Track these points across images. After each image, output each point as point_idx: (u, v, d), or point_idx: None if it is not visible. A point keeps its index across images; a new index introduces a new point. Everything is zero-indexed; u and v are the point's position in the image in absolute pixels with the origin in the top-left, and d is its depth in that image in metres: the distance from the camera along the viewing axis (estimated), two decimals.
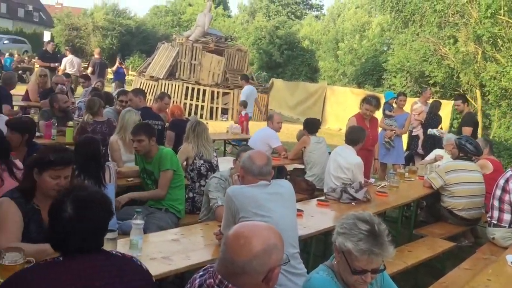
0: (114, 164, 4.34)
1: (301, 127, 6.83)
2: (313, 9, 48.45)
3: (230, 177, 3.90)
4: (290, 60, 31.10)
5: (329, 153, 5.92)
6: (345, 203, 4.59)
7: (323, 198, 4.73)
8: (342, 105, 16.65)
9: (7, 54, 22.27)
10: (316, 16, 45.14)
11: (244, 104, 10.63)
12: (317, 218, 4.06)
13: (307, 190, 5.76)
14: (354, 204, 4.57)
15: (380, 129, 7.31)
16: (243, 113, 10.30)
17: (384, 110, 8.02)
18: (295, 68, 30.90)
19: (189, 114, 14.34)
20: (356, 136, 5.22)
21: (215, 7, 37.87)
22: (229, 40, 19.23)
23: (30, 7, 48.60)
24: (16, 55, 23.17)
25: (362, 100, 6.14)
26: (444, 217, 5.40)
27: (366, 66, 24.46)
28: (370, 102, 6.00)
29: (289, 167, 6.93)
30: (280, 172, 6.61)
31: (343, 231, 2.02)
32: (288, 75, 29.68)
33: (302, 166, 6.56)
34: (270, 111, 16.33)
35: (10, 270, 2.16)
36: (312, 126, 6.46)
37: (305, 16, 44.53)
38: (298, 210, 3.58)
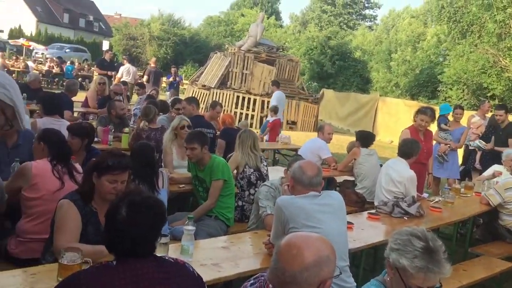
0: (166, 171, 4.45)
1: (351, 138, 6.75)
2: (366, 19, 47.90)
3: (281, 186, 3.91)
4: (341, 70, 30.84)
5: (381, 165, 5.82)
6: (397, 218, 4.49)
7: (373, 211, 4.64)
8: (394, 117, 16.31)
9: (68, 62, 23.37)
10: (369, 27, 44.58)
11: (274, 110, 10.61)
12: (367, 231, 3.99)
13: (357, 203, 5.67)
14: (406, 218, 4.46)
15: (434, 142, 7.10)
16: (271, 119, 10.26)
17: (439, 123, 7.79)
18: (346, 78, 30.61)
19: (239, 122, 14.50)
20: (410, 149, 5.09)
21: (267, 18, 38.19)
22: (281, 50, 19.32)
23: (91, 17, 50.83)
24: (76, 63, 24.28)
25: (417, 111, 5.98)
26: (502, 236, 5.17)
27: (420, 77, 23.87)
28: (426, 113, 5.84)
29: (339, 179, 6.85)
30: (329, 184, 6.55)
31: (397, 247, 1.97)
32: (339, 85, 29.43)
33: (352, 178, 6.47)
34: (321, 122, 16.24)
35: (69, 269, 2.26)
36: (366, 139, 6.39)
37: (357, 27, 44.08)
38: (348, 223, 3.53)
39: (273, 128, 9.90)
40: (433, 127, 6.67)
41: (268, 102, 15.92)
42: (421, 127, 5.87)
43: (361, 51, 32.97)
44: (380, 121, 17.50)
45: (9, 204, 3.24)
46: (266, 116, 15.74)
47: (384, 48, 29.68)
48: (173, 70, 16.35)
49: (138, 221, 1.82)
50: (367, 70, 30.54)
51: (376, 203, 5.00)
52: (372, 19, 48.06)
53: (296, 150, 8.36)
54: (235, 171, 4.88)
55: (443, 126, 7.80)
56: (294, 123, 16.24)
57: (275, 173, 5.69)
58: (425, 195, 5.71)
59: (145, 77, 14.17)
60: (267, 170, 5.06)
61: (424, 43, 27.20)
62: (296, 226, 2.77)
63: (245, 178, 4.86)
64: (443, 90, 20.73)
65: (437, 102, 18.59)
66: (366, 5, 47.47)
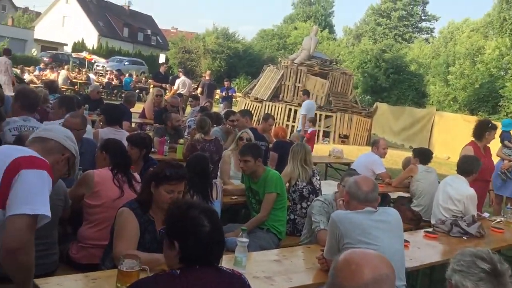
0: (220, 182, 4.51)
1: (405, 153, 6.60)
2: (423, 32, 46.82)
3: (334, 201, 3.86)
4: (396, 84, 30.22)
5: (438, 182, 5.63)
6: (455, 237, 4.31)
7: (430, 229, 4.49)
8: (451, 132, 15.76)
9: (127, 75, 24.26)
10: (426, 39, 43.52)
11: (313, 121, 10.45)
12: (424, 250, 3.86)
13: (413, 220, 5.50)
14: (465, 238, 4.28)
15: (497, 159, 6.81)
16: (309, 129, 10.12)
17: (502, 139, 7.46)
18: (401, 92, 29.95)
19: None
20: (470, 166, 4.90)
21: (321, 31, 38.12)
22: (334, 63, 19.20)
23: (149, 32, 52.64)
24: (134, 76, 25.17)
25: (488, 127, 5.75)
26: None
27: (480, 91, 22.98)
28: (495, 127, 5.63)
29: (393, 195, 6.68)
30: (383, 199, 6.39)
31: (460, 268, 1.89)
32: (393, 99, 28.83)
33: (407, 195, 6.30)
34: (374, 136, 15.95)
35: (127, 276, 2.32)
36: (424, 156, 6.22)
37: (413, 39, 43.14)
38: (405, 241, 3.43)
39: (311, 138, 9.85)
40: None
41: (321, 115, 15.88)
42: (488, 142, 5.66)
43: (417, 64, 32.20)
44: (437, 136, 16.95)
45: (71, 210, 3.38)
46: (319, 131, 15.71)
47: (441, 61, 28.83)
48: (226, 83, 16.62)
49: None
50: (423, 84, 29.75)
51: (433, 222, 4.84)
52: (429, 32, 46.93)
53: (348, 164, 8.24)
54: (287, 184, 4.88)
55: (506, 143, 7.46)
56: (346, 136, 16.04)
57: (327, 187, 5.64)
58: (485, 214, 5.46)
59: (199, 89, 14.48)
60: (319, 184, 5.02)
61: (484, 56, 26.21)
62: (351, 242, 2.72)
63: (297, 191, 4.84)
64: (505, 105, 19.84)
65: (498, 118, 17.80)
66: (423, 17, 46.44)
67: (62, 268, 3.10)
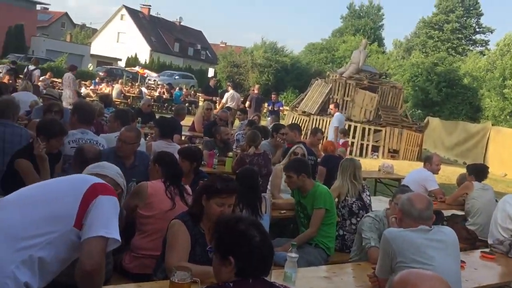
0: (269, 196, 4.51)
1: (458, 169, 6.38)
2: (477, 44, 45.33)
3: (385, 217, 3.77)
4: (448, 98, 29.35)
5: (496, 201, 5.39)
6: None
7: (487, 250, 4.30)
8: (509, 148, 15.10)
9: (177, 88, 24.86)
10: (481, 52, 42.09)
11: (344, 132, 10.38)
12: (481, 271, 3.70)
13: (468, 240, 5.29)
14: None
15: None
16: (341, 141, 10.01)
17: None
18: (454, 106, 29.06)
19: None
20: None
21: (370, 44, 37.67)
22: (383, 76, 18.91)
23: (199, 46, 53.83)
24: (184, 89, 25.75)
25: None
26: None
27: None
28: None
29: (446, 212, 6.46)
30: (436, 217, 6.11)
31: None
32: (445, 113, 28.00)
33: (461, 213, 6.07)
34: (425, 151, 15.52)
35: (179, 287, 2.36)
36: (481, 172, 5.99)
37: (467, 52, 41.83)
38: (461, 261, 3.30)
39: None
40: None
41: (370, 129, 15.64)
42: None
43: (470, 78, 31.17)
44: (493, 152, 16.26)
45: (125, 221, 3.48)
46: (367, 146, 15.46)
47: (497, 74, 27.77)
48: (273, 96, 16.70)
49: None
50: (477, 98, 28.73)
51: (490, 241, 4.63)
52: (484, 44, 45.35)
53: (399, 180, 8.05)
54: (336, 199, 4.82)
55: None
56: (396, 151, 15.68)
57: (377, 203, 5.54)
58: None
59: (247, 103, 14.61)
60: (370, 200, 4.93)
61: None
62: (404, 261, 2.65)
63: (346, 207, 4.77)
64: None
65: None
66: (477, 29, 44.99)
67: (116, 277, 3.18)
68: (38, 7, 44.40)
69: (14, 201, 2.25)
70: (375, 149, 15.67)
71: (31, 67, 15.38)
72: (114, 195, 2.30)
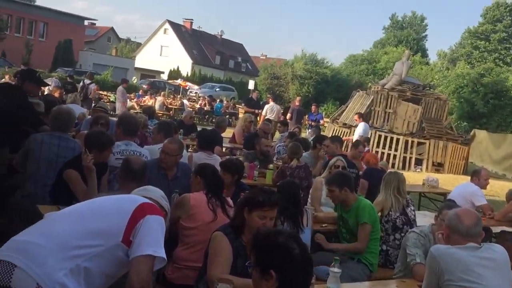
0: (311, 209, 4.47)
1: (507, 184, 6.12)
2: None
3: (431, 234, 3.66)
4: (496, 110, 28.36)
5: None
6: None
7: None
8: None
9: (218, 101, 25.16)
10: None
11: (367, 140, 10.23)
12: None
13: None
14: None
15: None
16: (364, 150, 9.81)
17: None
18: (502, 118, 28.04)
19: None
20: None
21: (413, 55, 37.00)
22: (427, 88, 18.48)
23: (239, 59, 54.42)
24: (225, 101, 26.03)
25: None
26: None
27: None
28: None
29: (495, 229, 6.20)
30: (485, 234, 5.95)
31: None
32: (493, 126, 27.05)
33: (511, 229, 5.82)
34: (471, 165, 15.02)
35: None
36: None
37: None
38: None
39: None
40: None
41: (413, 141, 15.29)
42: None
43: None
44: None
45: (168, 232, 3.52)
46: (411, 158, 15.11)
47: None
48: (313, 107, 16.62)
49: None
50: None
51: None
52: None
53: (444, 194, 7.81)
54: (379, 214, 4.72)
55: None
56: (440, 165, 15.24)
57: (422, 218, 5.38)
58: None
59: (288, 115, 14.61)
60: (414, 215, 4.79)
61: None
62: (452, 279, 2.56)
63: (390, 221, 4.66)
64: None
65: None
66: None
67: None
68: (86, 22, 46.16)
69: (67, 214, 2.39)
70: (419, 162, 15.30)
71: (87, 81, 16.30)
72: (161, 215, 2.39)
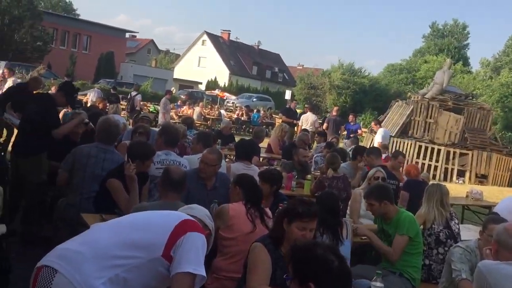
0: (350, 221, 4.40)
1: None
2: None
3: (477, 249, 3.53)
4: None
5: None
6: None
7: None
8: None
9: (255, 111, 25.26)
10: None
11: (386, 147, 9.96)
12: None
13: None
14: None
15: None
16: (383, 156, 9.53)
17: None
18: None
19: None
20: None
21: (454, 64, 36.14)
22: (470, 97, 17.98)
23: (276, 69, 54.57)
24: (262, 111, 26.09)
25: None
26: None
27: None
28: None
29: None
30: None
31: None
32: None
33: None
34: None
35: None
36: None
37: None
38: None
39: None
40: None
41: (455, 152, 14.87)
42: None
43: None
44: None
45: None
46: (452, 170, 14.69)
47: None
48: (351, 117, 16.43)
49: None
50: None
51: None
52: None
53: (489, 207, 7.54)
54: (421, 227, 4.59)
55: None
56: (484, 176, 14.75)
57: (466, 232, 5.20)
58: None
59: (325, 125, 14.50)
60: (458, 229, 4.63)
61: None
62: None
63: (433, 235, 4.52)
64: None
65: None
66: None
67: None
68: (127, 35, 47.47)
69: (111, 225, 2.45)
70: (461, 173, 14.86)
71: (133, 92, 17.20)
72: (203, 233, 2.40)
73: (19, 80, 11.84)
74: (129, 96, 16.80)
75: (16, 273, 3.55)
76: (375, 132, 13.31)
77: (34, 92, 7.23)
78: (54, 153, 4.96)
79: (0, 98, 7.79)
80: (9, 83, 10.95)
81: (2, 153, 7.58)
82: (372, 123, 13.85)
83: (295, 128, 14.25)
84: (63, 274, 2.14)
